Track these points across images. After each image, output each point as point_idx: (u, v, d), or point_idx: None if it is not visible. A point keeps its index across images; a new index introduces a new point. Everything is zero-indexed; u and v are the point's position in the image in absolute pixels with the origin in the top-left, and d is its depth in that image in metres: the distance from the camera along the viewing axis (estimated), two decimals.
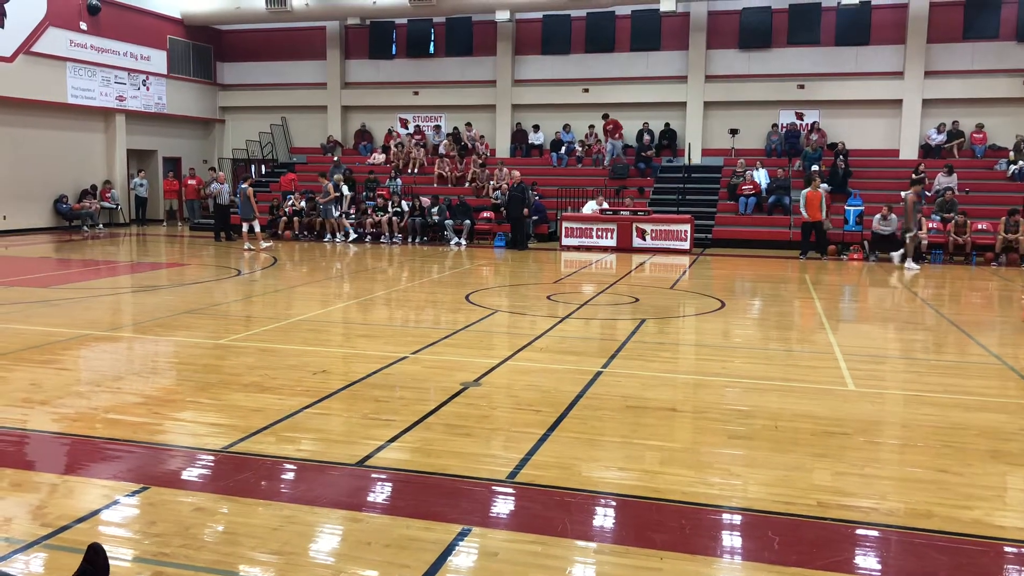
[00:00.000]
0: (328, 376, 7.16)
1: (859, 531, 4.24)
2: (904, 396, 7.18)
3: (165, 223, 27.92)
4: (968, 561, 3.92)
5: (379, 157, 26.81)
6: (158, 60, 27.47)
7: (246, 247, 18.94)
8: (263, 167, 29.44)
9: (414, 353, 8.16)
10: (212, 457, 5.15)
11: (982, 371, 8.00)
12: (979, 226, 19.14)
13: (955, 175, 21.27)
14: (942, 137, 23.43)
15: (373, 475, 4.88)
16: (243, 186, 19.73)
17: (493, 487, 4.71)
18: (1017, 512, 4.52)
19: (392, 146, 26.86)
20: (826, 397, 6.86)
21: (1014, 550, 4.06)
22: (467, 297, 12.09)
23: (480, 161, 25.12)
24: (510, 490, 4.68)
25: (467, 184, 24.45)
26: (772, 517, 4.37)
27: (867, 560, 4.00)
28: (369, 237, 22.48)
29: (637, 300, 12.30)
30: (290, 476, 4.90)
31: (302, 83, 29.07)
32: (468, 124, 27.03)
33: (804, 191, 19.29)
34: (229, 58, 30.04)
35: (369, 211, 22.95)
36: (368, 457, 5.11)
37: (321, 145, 28.32)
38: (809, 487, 4.78)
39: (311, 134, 29.21)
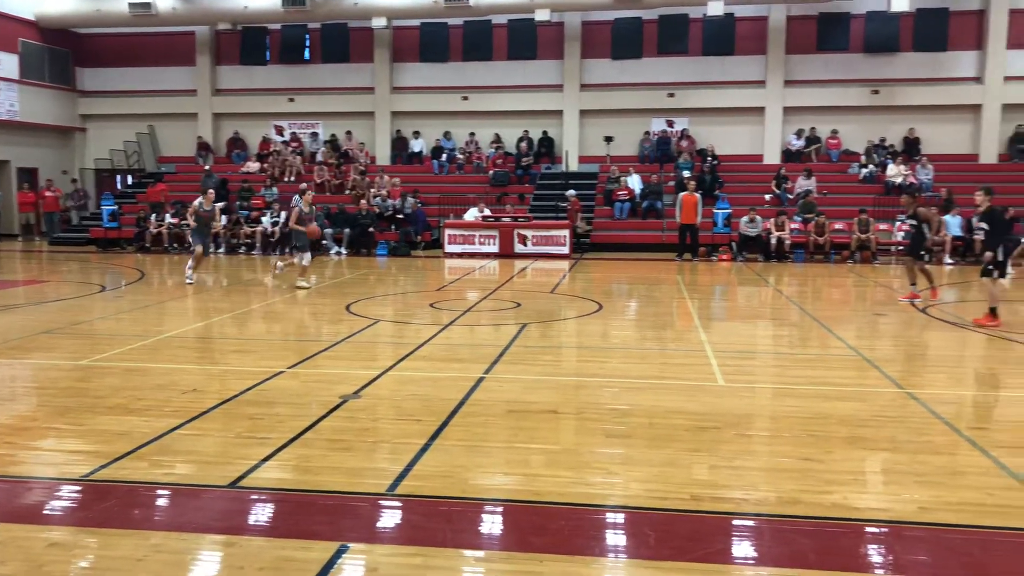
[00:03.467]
0: (200, 394, 6.87)
1: (731, 522, 4.41)
2: (770, 389, 7.53)
3: (21, 238, 26.17)
4: (832, 543, 4.14)
5: (253, 165, 26.03)
6: (9, 64, 25.71)
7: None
8: (129, 177, 28.06)
9: (292, 367, 7.94)
10: (72, 487, 4.85)
11: (841, 363, 8.50)
12: (836, 226, 20.35)
13: (814, 178, 22.55)
14: (801, 142, 24.79)
15: (247, 496, 4.71)
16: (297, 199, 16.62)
17: (373, 501, 4.63)
18: (872, 494, 4.81)
19: (272, 152, 26.09)
20: (698, 393, 7.11)
21: (874, 529, 4.32)
22: (348, 307, 11.89)
23: (360, 169, 24.79)
24: (391, 503, 4.62)
25: (347, 192, 24.06)
26: (648, 513, 4.49)
27: (739, 549, 4.16)
28: (243, 248, 21.78)
29: (519, 305, 12.41)
30: (158, 502, 4.66)
31: (170, 90, 27.87)
32: (348, 132, 26.63)
33: (679, 195, 20.01)
34: (90, 63, 28.48)
35: (242, 221, 22.24)
36: (242, 477, 4.93)
37: (197, 155, 27.24)
38: (683, 482, 4.94)
39: (181, 142, 28.03)
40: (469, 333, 10.19)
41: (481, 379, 7.48)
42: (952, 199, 20.19)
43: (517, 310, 11.98)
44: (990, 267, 10.33)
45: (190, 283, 14.30)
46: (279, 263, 15.08)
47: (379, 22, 24.61)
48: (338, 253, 20.84)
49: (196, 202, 14.70)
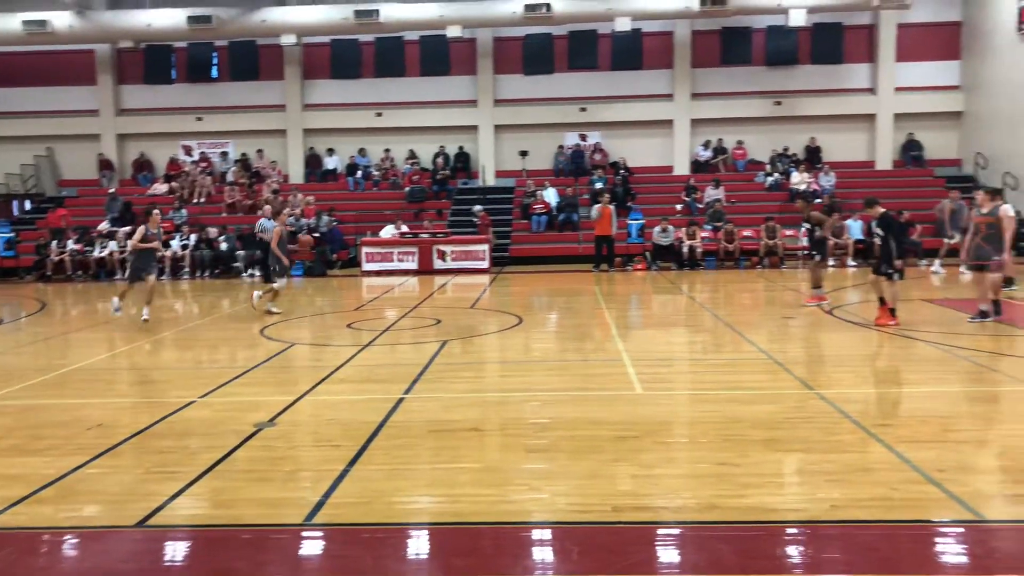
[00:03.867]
0: (106, 430, 6.57)
1: (653, 531, 4.46)
2: (687, 395, 7.69)
3: None
4: (749, 547, 4.22)
5: (161, 187, 25.24)
6: None
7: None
8: (27, 203, 26.81)
9: (203, 396, 7.69)
10: None
11: (753, 366, 8.73)
12: (744, 233, 20.98)
13: (722, 188, 23.21)
14: (708, 153, 25.51)
15: (158, 535, 4.52)
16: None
17: (292, 532, 4.50)
18: (786, 495, 4.94)
19: (181, 173, 25.33)
20: (617, 403, 7.20)
21: (792, 530, 4.43)
22: (262, 331, 11.61)
23: (273, 187, 24.31)
24: (310, 533, 4.50)
25: (259, 212, 23.53)
26: (571, 527, 4.50)
27: (660, 558, 4.20)
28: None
29: (439, 322, 12.35)
30: (57, 548, 4.43)
31: (70, 110, 26.77)
32: (259, 151, 26.10)
33: (595, 207, 20.29)
34: None
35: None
36: (151, 516, 4.72)
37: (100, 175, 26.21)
38: (605, 493, 4.97)
39: (82, 165, 26.96)
40: (389, 353, 10.07)
41: (401, 399, 7.39)
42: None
43: (437, 327, 11.92)
44: (889, 270, 10.80)
45: (147, 320, 12.28)
46: (256, 292, 13.58)
47: (288, 39, 24.24)
48: (251, 275, 20.35)
49: (142, 228, 12.55)
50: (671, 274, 19.25)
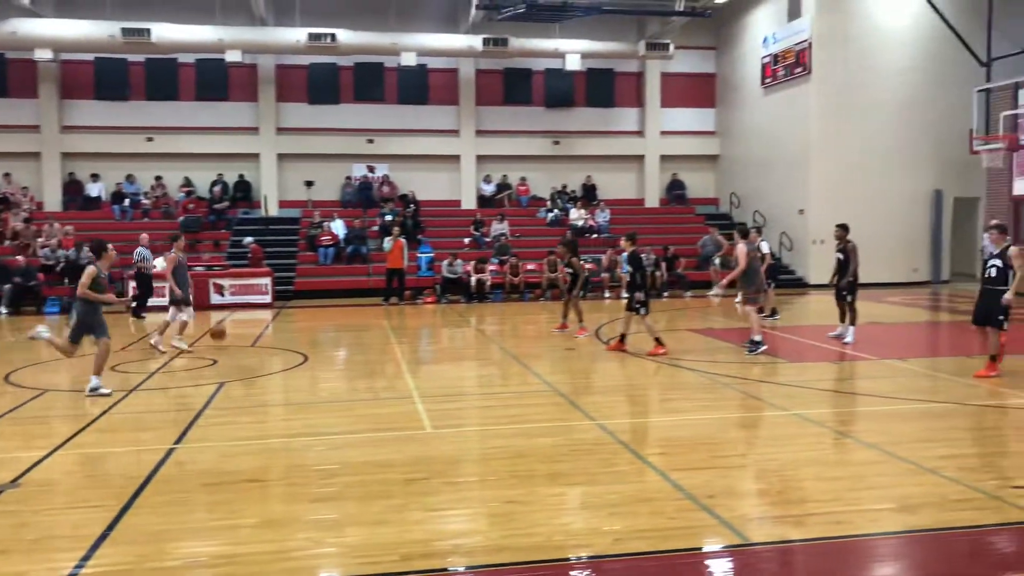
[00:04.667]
0: None
1: None
2: (476, 431, 7.71)
3: None
4: None
5: None
6: None
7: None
8: None
9: None
10: None
11: (539, 398, 8.94)
12: (528, 267, 21.69)
13: (506, 222, 23.90)
14: (492, 188, 26.21)
15: None
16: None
17: None
18: (571, 531, 5.02)
19: None
20: (407, 443, 7.07)
21: (583, 570, 4.50)
22: (7, 377, 10.33)
23: (24, 215, 21.91)
24: None
25: (6, 243, 21.13)
26: None
27: None
28: None
29: (215, 362, 11.61)
30: None
31: None
32: (7, 175, 23.46)
33: (387, 240, 20.09)
34: None
35: None
36: None
37: None
38: (394, 541, 4.82)
39: None
40: (159, 397, 9.30)
41: (172, 449, 6.82)
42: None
43: (214, 367, 11.19)
44: (637, 304, 11.58)
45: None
46: (155, 335, 12.79)
47: (44, 54, 22.07)
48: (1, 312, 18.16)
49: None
50: (460, 307, 19.45)
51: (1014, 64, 18.50)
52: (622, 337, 11.92)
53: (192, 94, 24.80)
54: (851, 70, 22.24)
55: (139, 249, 16.32)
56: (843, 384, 9.24)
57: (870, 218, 21.63)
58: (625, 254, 11.92)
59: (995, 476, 5.97)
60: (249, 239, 21.66)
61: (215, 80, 24.67)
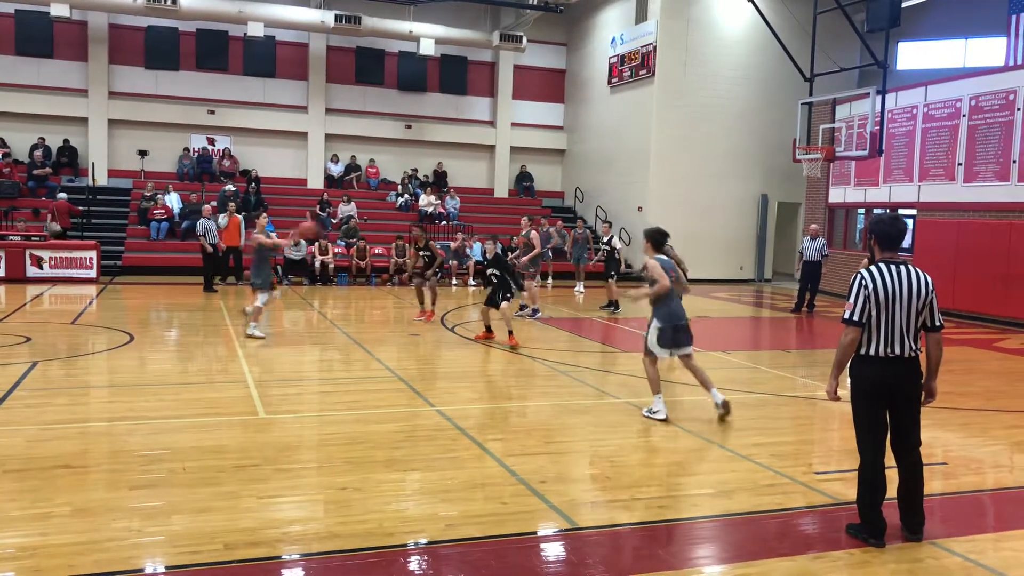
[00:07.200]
0: None
1: (267, 568, 4.24)
2: (312, 418, 7.55)
3: None
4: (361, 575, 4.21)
5: None
6: None
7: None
8: None
9: None
10: None
11: (380, 384, 8.85)
12: (376, 251, 21.41)
13: (354, 204, 23.46)
14: (339, 168, 25.64)
15: None
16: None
17: None
18: (404, 517, 5.01)
19: None
20: (237, 428, 6.82)
21: (414, 557, 4.49)
22: None
23: None
24: None
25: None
26: (177, 572, 4.12)
27: None
28: None
29: (29, 340, 10.73)
30: None
31: None
32: None
33: (221, 216, 19.18)
34: None
35: None
36: None
37: None
38: (217, 530, 4.63)
39: None
40: None
41: None
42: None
43: (27, 345, 10.35)
44: (508, 294, 11.77)
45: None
46: (248, 309, 11.89)
47: None
48: None
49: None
50: (303, 289, 18.93)
51: (832, 81, 20.04)
52: (488, 328, 12.05)
53: (11, 48, 22.71)
54: (691, 76, 23.34)
55: (203, 220, 17.10)
56: (672, 374, 9.72)
57: (702, 218, 22.91)
58: (488, 256, 12.06)
59: (802, 463, 6.48)
60: (62, 195, 20.10)
61: (38, 35, 22.71)
